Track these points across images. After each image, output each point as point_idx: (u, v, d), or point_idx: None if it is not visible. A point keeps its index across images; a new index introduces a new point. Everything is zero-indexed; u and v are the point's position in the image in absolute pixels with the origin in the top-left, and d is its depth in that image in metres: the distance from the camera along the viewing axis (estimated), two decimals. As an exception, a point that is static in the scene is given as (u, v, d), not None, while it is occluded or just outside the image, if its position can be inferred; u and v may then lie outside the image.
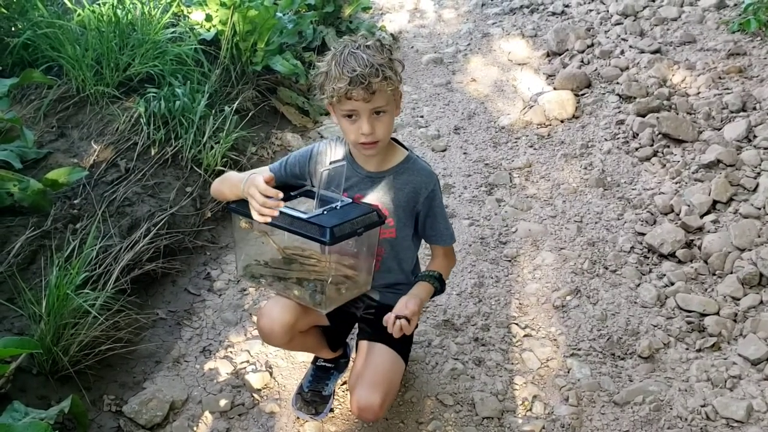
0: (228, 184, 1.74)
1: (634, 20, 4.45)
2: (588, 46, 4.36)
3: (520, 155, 3.56)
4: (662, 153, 3.27)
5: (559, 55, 4.39)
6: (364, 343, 1.83)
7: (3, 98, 2.53)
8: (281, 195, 1.59)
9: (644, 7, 4.58)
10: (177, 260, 2.60)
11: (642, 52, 4.07)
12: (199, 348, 2.29)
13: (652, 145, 3.31)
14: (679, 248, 2.68)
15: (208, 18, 3.65)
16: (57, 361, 1.95)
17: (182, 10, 3.75)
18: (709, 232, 2.70)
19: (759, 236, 2.56)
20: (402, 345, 1.81)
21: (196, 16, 3.70)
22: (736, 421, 1.97)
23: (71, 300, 1.99)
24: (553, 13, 5.08)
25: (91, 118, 2.99)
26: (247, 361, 2.23)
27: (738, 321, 2.33)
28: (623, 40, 4.30)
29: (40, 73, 2.73)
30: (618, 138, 3.48)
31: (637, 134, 3.41)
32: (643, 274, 2.64)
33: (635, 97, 3.65)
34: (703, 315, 2.37)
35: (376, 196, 1.75)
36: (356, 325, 1.99)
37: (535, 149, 3.60)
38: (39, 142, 2.78)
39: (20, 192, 2.34)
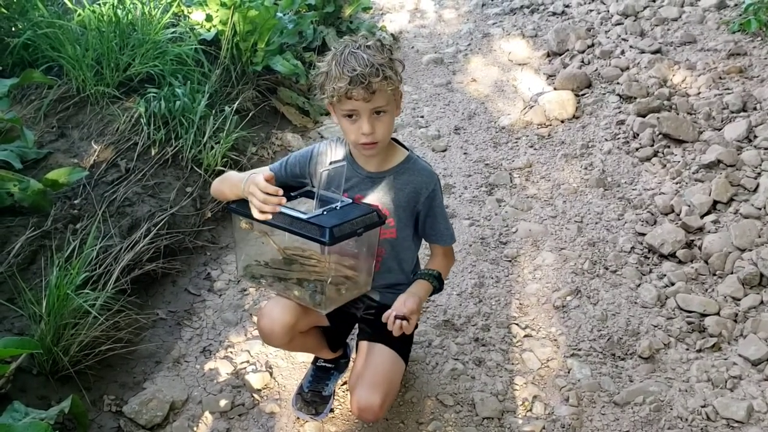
0: (228, 184, 1.74)
1: (635, 20, 4.45)
2: (588, 47, 4.35)
3: (520, 155, 3.56)
4: (662, 153, 3.27)
5: (560, 55, 4.38)
6: (364, 344, 1.82)
7: (3, 98, 2.53)
8: (282, 192, 1.59)
9: (645, 7, 4.58)
10: (177, 260, 2.60)
11: (642, 52, 4.07)
12: (199, 348, 2.29)
13: (652, 146, 3.31)
14: (680, 248, 2.68)
15: (209, 18, 3.65)
16: (57, 361, 1.95)
17: (182, 10, 3.76)
18: (709, 232, 2.70)
19: (759, 236, 2.56)
20: (402, 345, 1.81)
21: (197, 16, 3.70)
22: (737, 422, 1.97)
23: (71, 300, 1.99)
24: (554, 13, 5.08)
25: (91, 118, 2.98)
26: (248, 362, 2.23)
27: (738, 321, 2.33)
28: (624, 40, 4.30)
29: (41, 73, 2.73)
30: (618, 138, 3.48)
31: (638, 134, 3.41)
32: (644, 275, 2.64)
33: (635, 98, 3.64)
34: (704, 315, 2.37)
35: (377, 197, 1.75)
36: (356, 325, 1.99)
37: (535, 149, 3.60)
38: (39, 142, 2.78)
39: (20, 192, 2.34)
